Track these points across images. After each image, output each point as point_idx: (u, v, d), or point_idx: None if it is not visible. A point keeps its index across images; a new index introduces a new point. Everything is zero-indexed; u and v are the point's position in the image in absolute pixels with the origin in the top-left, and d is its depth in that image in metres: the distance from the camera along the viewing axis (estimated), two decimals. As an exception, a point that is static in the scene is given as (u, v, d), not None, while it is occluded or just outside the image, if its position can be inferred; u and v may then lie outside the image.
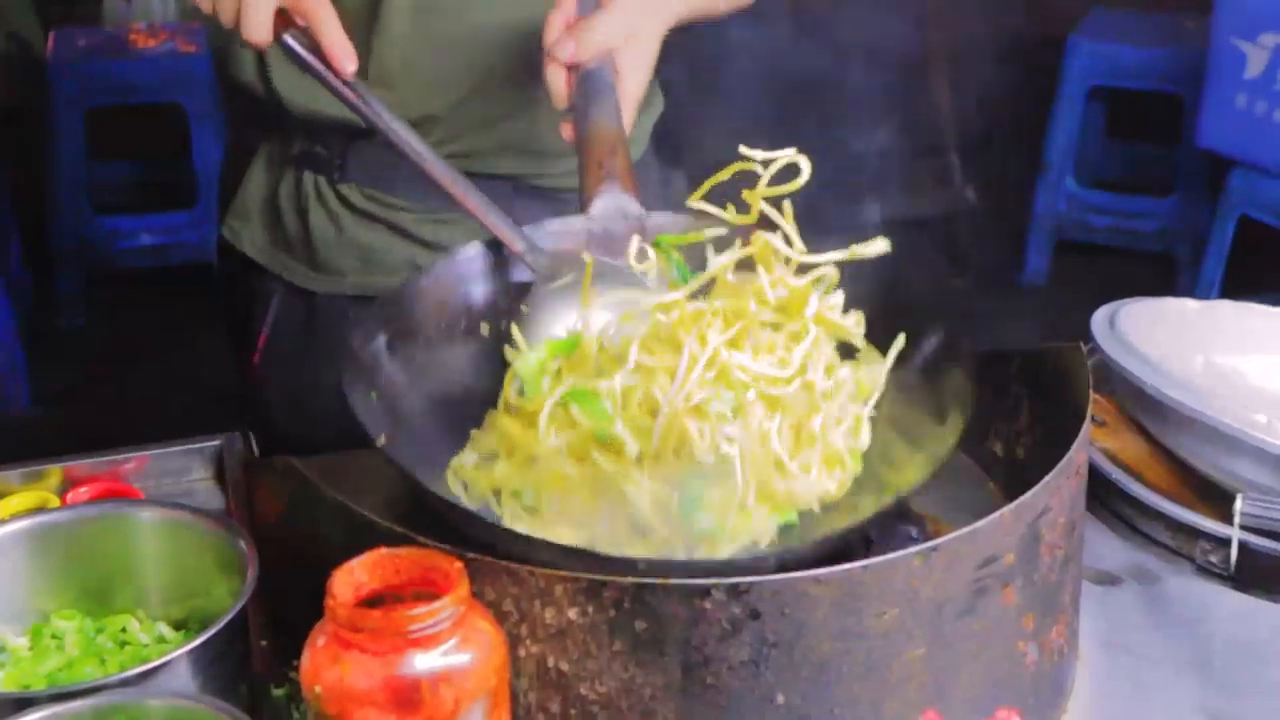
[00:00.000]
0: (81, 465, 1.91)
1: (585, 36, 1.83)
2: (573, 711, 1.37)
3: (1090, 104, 5.34)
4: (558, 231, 1.80)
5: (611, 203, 1.78)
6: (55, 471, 1.89)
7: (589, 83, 1.85)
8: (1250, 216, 4.57)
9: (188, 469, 1.95)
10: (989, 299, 5.29)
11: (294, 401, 2.29)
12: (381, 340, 1.71)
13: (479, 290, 1.81)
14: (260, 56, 2.18)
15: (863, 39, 5.61)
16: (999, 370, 1.70)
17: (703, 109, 4.57)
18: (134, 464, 1.93)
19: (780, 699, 1.34)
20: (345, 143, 2.20)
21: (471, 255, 1.81)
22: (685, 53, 4.37)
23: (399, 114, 2.01)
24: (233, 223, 2.34)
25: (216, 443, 1.96)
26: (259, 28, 1.80)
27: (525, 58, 2.12)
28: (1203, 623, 1.69)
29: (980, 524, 1.37)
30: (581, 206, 1.80)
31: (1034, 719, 1.47)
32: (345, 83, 1.81)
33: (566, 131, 1.85)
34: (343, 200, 2.24)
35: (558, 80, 1.86)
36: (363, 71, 2.05)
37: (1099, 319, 1.89)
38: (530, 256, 1.75)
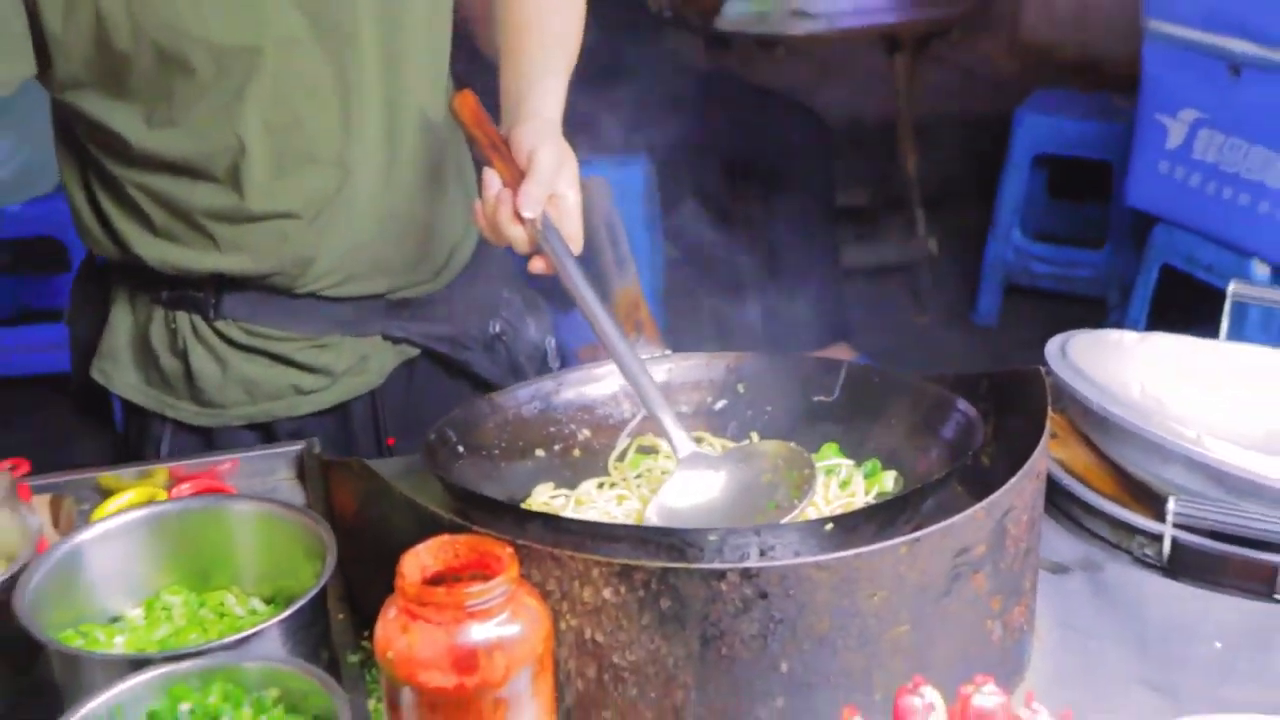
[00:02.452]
0: (184, 465, 1.91)
1: (530, 193, 1.67)
2: (606, 677, 1.36)
3: (1035, 169, 5.33)
4: (599, 374, 1.80)
5: (640, 349, 1.76)
6: (161, 471, 1.89)
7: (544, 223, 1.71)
8: (1171, 266, 4.57)
9: (273, 469, 1.94)
10: (947, 335, 5.30)
11: None
12: (458, 447, 1.69)
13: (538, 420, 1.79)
14: (107, 224, 1.96)
15: (841, 112, 5.66)
16: (969, 390, 1.69)
17: (690, 168, 4.62)
18: (228, 465, 1.92)
19: (784, 668, 1.32)
20: (218, 285, 1.99)
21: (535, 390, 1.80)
22: (670, 124, 4.40)
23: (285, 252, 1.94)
24: (104, 366, 2.06)
25: (298, 448, 1.96)
26: None
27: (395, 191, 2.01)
28: (1140, 606, 1.68)
29: (956, 519, 1.36)
30: None
31: (1000, 688, 1.45)
32: None
33: (538, 266, 1.72)
34: (222, 337, 2.00)
35: (519, 234, 1.69)
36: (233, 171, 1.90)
37: (1052, 347, 1.87)
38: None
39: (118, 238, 1.96)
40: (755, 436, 1.79)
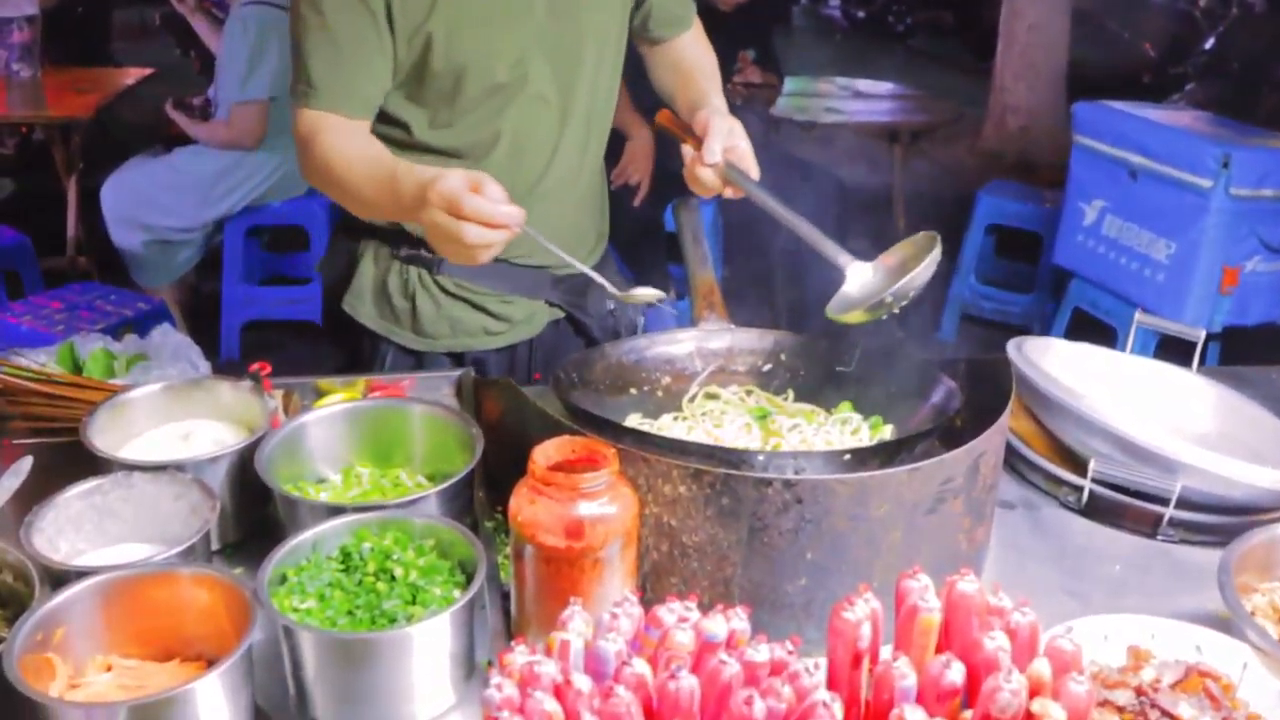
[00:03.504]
0: (378, 379, 1.85)
1: (710, 147, 1.67)
2: (675, 552, 1.28)
3: (987, 234, 5.23)
4: (681, 338, 1.72)
5: (713, 323, 1.73)
6: (362, 382, 1.82)
7: (728, 165, 1.67)
8: (1080, 308, 4.50)
9: (440, 386, 1.86)
10: (918, 347, 5.22)
11: None
12: (575, 379, 1.60)
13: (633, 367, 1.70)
14: None
15: (854, 183, 5.57)
16: (949, 371, 1.59)
17: (744, 214, 4.52)
18: (408, 382, 1.85)
19: (809, 556, 1.24)
20: None
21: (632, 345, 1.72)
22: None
23: None
24: (351, 301, 1.98)
25: (459, 373, 1.88)
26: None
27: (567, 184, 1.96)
28: (1063, 537, 1.59)
29: (945, 457, 1.28)
30: (694, 323, 1.75)
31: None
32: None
33: (728, 192, 1.69)
34: (440, 287, 1.94)
35: (709, 175, 1.67)
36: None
37: (1011, 345, 1.77)
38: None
39: None
40: (791, 394, 1.69)
